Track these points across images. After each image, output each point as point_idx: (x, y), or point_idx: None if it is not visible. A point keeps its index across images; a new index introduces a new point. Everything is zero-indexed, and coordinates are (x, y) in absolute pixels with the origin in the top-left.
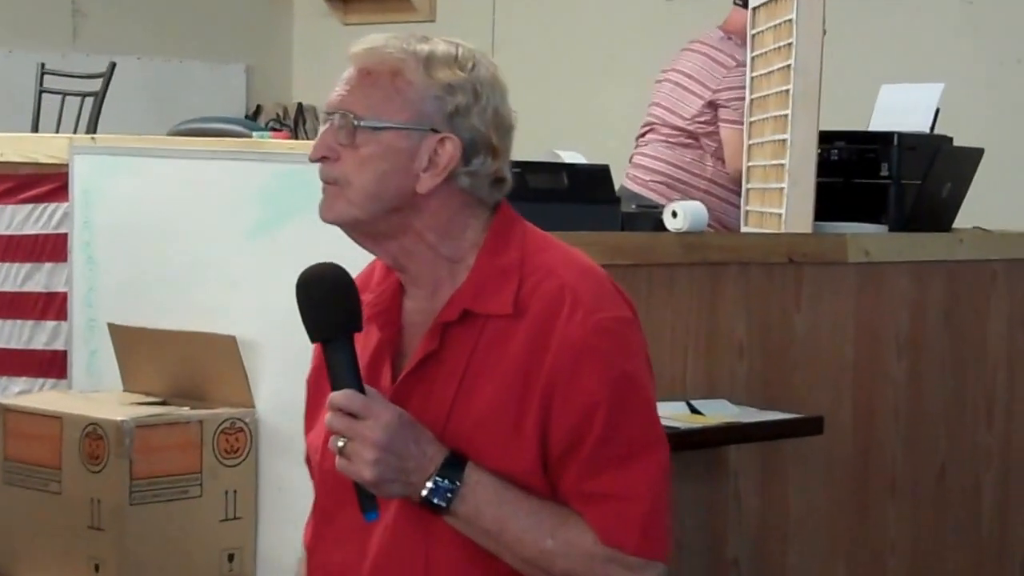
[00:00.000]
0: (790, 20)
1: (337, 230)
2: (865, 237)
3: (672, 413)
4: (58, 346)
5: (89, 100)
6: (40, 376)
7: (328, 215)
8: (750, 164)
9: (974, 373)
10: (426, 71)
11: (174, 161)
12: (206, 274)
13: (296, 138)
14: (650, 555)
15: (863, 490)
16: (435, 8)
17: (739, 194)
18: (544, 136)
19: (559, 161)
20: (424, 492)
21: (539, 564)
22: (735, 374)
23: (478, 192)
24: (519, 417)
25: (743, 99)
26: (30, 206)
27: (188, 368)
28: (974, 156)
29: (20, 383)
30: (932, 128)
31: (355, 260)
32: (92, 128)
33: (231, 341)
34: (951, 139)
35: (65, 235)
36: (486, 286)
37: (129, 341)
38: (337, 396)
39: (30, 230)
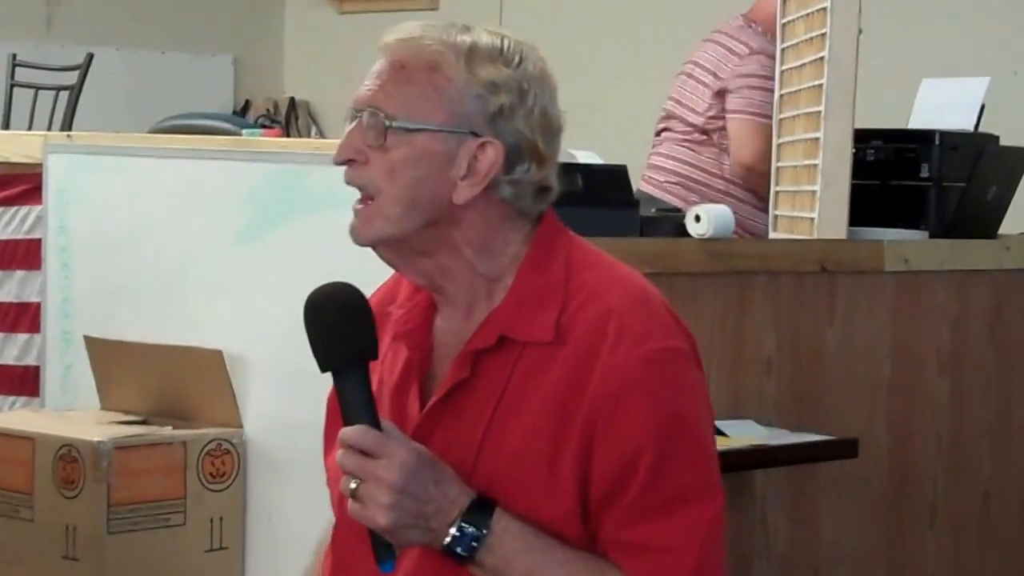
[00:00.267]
0: (824, 8)
1: (335, 236)
2: (903, 244)
3: None
4: (30, 361)
5: (64, 94)
6: (10, 393)
7: (364, 238)
8: (779, 165)
9: (1021, 392)
10: (467, 66)
11: (156, 161)
12: (191, 283)
13: (288, 135)
14: None
15: (900, 519)
16: None
17: (758, 195)
18: None
19: (573, 161)
20: (447, 540)
21: None
22: (763, 392)
23: (520, 203)
24: (555, 456)
25: (755, 87)
26: (0, 209)
27: (171, 385)
28: (1022, 156)
29: None
30: (977, 126)
31: (361, 271)
32: (68, 125)
33: (217, 355)
34: (997, 138)
35: (39, 240)
36: (525, 308)
37: (107, 355)
38: (349, 432)
39: (0, 235)
